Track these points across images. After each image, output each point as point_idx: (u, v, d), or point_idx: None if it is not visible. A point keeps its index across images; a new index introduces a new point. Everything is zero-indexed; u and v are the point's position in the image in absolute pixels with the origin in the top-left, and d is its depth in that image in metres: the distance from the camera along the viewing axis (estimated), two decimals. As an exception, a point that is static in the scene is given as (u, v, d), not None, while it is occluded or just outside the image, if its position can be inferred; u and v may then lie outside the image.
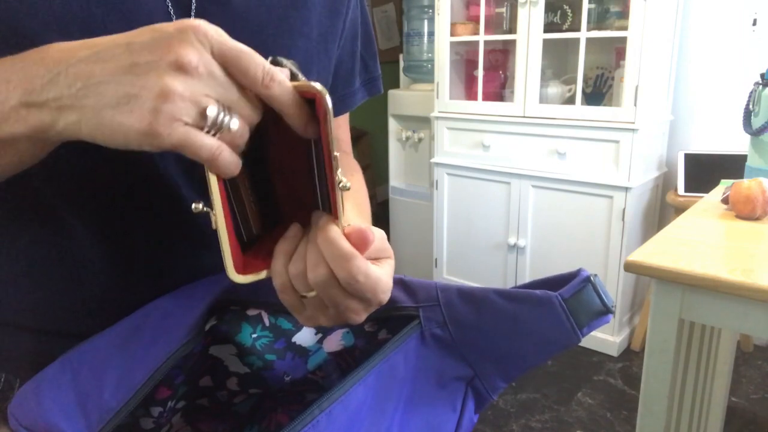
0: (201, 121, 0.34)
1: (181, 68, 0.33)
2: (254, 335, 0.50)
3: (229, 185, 0.40)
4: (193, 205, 0.37)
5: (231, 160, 0.36)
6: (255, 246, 0.43)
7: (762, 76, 1.18)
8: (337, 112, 0.67)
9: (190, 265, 0.53)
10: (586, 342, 2.29)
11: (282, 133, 0.40)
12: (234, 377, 0.52)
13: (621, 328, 2.24)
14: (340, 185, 0.37)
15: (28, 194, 0.46)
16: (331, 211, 0.39)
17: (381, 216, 3.31)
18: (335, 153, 0.37)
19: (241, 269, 0.39)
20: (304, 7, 0.55)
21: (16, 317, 0.52)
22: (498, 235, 2.43)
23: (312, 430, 0.39)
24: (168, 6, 0.47)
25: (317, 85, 0.36)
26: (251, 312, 0.51)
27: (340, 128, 0.71)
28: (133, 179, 0.48)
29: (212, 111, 0.34)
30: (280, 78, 0.36)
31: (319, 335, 0.52)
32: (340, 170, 0.37)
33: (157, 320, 0.47)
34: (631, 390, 2.02)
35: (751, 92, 1.20)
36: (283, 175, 0.44)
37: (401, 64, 2.92)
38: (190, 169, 0.50)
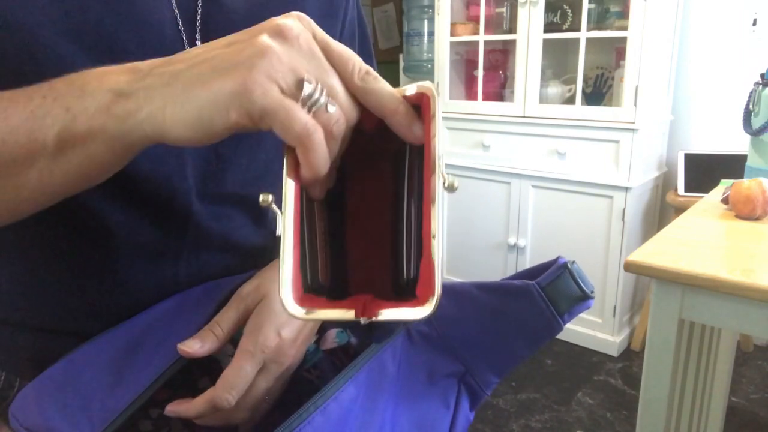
0: (297, 92, 0.31)
1: (282, 34, 0.32)
2: None
3: (305, 212, 0.36)
4: (261, 197, 0.33)
5: (322, 148, 0.32)
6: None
7: (762, 76, 1.18)
8: None
9: (192, 266, 0.53)
10: (586, 342, 2.29)
11: (362, 183, 0.37)
12: None
13: (621, 328, 2.24)
14: (446, 184, 0.32)
15: None
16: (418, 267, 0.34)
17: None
18: (439, 162, 0.32)
19: (299, 301, 0.33)
20: (302, 11, 0.55)
21: (16, 316, 0.52)
22: (498, 235, 2.43)
23: (307, 428, 0.39)
24: (176, 16, 0.47)
25: (424, 84, 0.33)
26: None
27: None
28: (137, 180, 0.48)
29: (310, 82, 0.32)
30: (377, 74, 0.34)
31: (317, 335, 0.52)
32: (444, 171, 0.33)
33: (164, 324, 0.47)
34: (631, 390, 2.02)
35: (751, 92, 1.20)
36: (359, 230, 0.40)
37: (401, 64, 2.92)
38: (202, 171, 0.50)
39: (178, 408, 0.43)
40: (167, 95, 0.32)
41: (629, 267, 0.92)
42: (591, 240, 2.18)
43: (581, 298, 0.45)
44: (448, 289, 0.48)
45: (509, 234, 2.38)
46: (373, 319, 0.32)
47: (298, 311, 0.32)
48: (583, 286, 0.45)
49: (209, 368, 0.52)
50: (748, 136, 1.21)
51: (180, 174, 0.49)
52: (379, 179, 0.39)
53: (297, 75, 0.32)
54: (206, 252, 0.53)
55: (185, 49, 0.42)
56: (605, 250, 2.15)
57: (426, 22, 2.75)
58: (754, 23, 2.12)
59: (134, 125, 0.33)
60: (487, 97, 2.40)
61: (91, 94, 0.33)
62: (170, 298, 0.50)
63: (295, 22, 0.33)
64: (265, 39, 0.31)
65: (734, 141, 2.17)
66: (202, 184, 0.50)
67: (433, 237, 0.32)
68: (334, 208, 0.39)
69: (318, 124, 0.32)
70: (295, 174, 0.34)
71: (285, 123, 0.31)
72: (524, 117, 2.23)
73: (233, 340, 0.51)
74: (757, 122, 1.17)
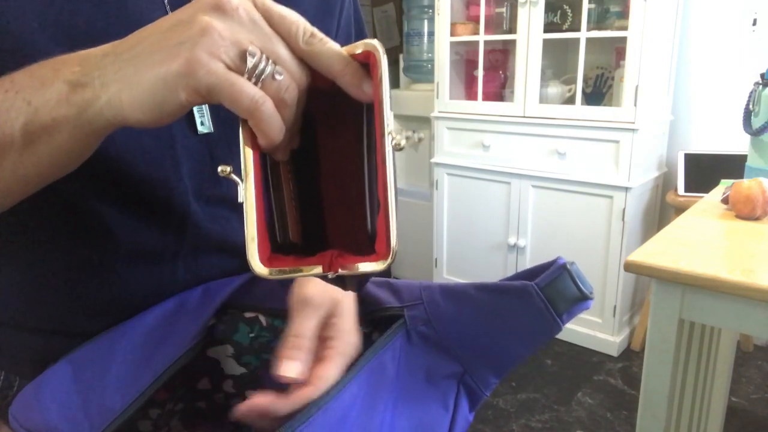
0: (241, 65, 0.32)
1: (220, 8, 0.32)
2: (252, 335, 0.51)
3: (270, 173, 0.37)
4: (220, 168, 0.34)
5: (274, 118, 0.33)
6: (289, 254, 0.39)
7: (762, 76, 1.18)
8: None
9: (191, 267, 0.53)
10: (586, 342, 2.29)
11: (334, 140, 0.38)
12: (230, 380, 0.52)
13: (621, 328, 2.24)
14: (393, 143, 0.34)
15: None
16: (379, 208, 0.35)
17: (381, 216, 3.31)
18: (387, 120, 0.33)
19: (267, 262, 0.35)
20: (297, 10, 0.55)
21: (15, 317, 0.52)
22: (498, 235, 2.43)
23: (308, 428, 0.39)
24: (168, 12, 0.47)
25: (370, 42, 0.34)
26: (248, 314, 0.51)
27: None
28: (134, 182, 0.48)
29: (254, 53, 0.32)
30: (323, 35, 0.34)
31: None
32: (393, 130, 0.34)
33: (163, 325, 0.47)
34: (631, 390, 2.02)
35: (751, 92, 1.20)
36: (333, 186, 0.41)
37: (401, 64, 2.92)
38: (197, 172, 0.50)
39: (267, 404, 0.42)
40: (121, 80, 0.33)
41: (629, 267, 0.92)
42: (591, 240, 2.18)
43: (580, 299, 0.45)
44: (446, 289, 0.48)
45: (509, 234, 2.38)
46: (340, 272, 0.34)
47: (264, 271, 0.34)
48: (581, 286, 0.45)
49: (209, 369, 0.52)
50: (748, 136, 1.21)
51: (176, 175, 0.49)
52: (350, 134, 0.40)
53: (240, 48, 0.32)
54: (204, 253, 0.53)
55: None
56: (605, 250, 2.15)
57: (426, 22, 2.75)
58: (754, 23, 2.12)
59: (95, 113, 0.33)
60: (487, 97, 2.39)
61: (50, 86, 0.34)
62: (169, 300, 0.50)
63: None
64: (204, 16, 0.32)
65: (734, 141, 2.17)
66: (198, 186, 0.50)
67: (388, 190, 0.33)
68: (308, 165, 0.40)
69: (266, 94, 0.32)
70: (253, 143, 0.35)
71: (232, 97, 0.32)
72: (524, 117, 2.23)
73: (229, 340, 0.51)
74: (757, 122, 1.17)
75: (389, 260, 0.33)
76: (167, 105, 0.32)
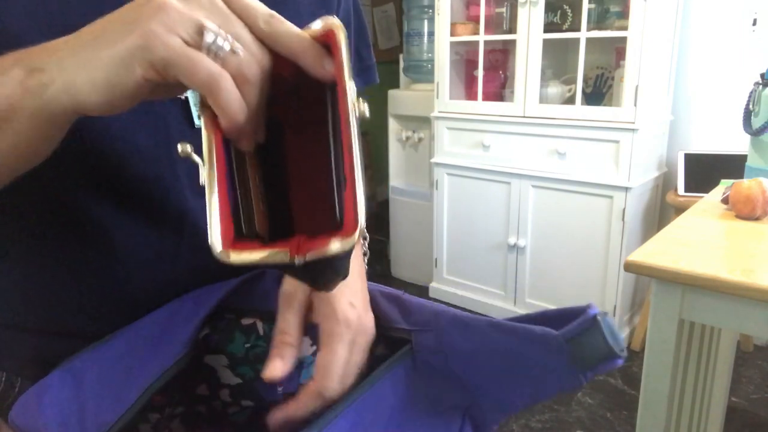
0: (199, 41, 0.32)
1: None
2: (248, 345, 0.49)
3: (235, 165, 0.36)
4: (180, 146, 0.34)
5: (233, 94, 0.32)
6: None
7: (762, 76, 1.18)
8: None
9: (191, 265, 0.53)
10: (586, 342, 2.28)
11: (301, 141, 0.37)
12: (226, 389, 0.51)
13: (621, 328, 2.24)
14: (358, 113, 0.33)
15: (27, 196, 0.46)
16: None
17: (381, 216, 3.31)
18: (350, 92, 0.33)
19: (230, 246, 0.33)
20: (293, 3, 0.55)
21: (16, 318, 0.52)
22: (498, 235, 2.43)
23: None
24: None
25: (329, 19, 0.33)
26: (246, 321, 0.49)
27: None
28: (130, 181, 0.48)
29: (211, 28, 0.32)
30: (282, 18, 0.34)
31: (314, 347, 0.50)
32: (354, 100, 0.34)
33: (155, 334, 0.47)
34: (631, 390, 2.02)
35: (751, 92, 1.20)
36: (302, 186, 0.40)
37: (401, 64, 2.92)
38: (193, 168, 0.50)
39: (286, 413, 0.42)
40: (77, 63, 0.32)
41: (629, 267, 0.92)
42: (591, 240, 2.18)
43: (609, 357, 0.39)
44: (461, 321, 0.44)
45: (509, 234, 2.38)
46: (307, 257, 0.32)
47: (228, 254, 0.32)
48: (611, 344, 0.39)
49: (207, 376, 0.51)
50: (748, 136, 1.21)
51: (171, 172, 0.49)
52: (317, 132, 0.39)
53: (197, 24, 0.32)
54: (204, 251, 0.53)
55: None
56: (605, 250, 2.15)
57: (426, 22, 2.75)
58: (754, 23, 2.12)
59: (51, 98, 0.33)
60: (487, 97, 2.39)
61: (7, 72, 0.34)
62: (165, 306, 0.49)
63: None
64: None
65: (734, 141, 2.17)
66: (194, 182, 0.50)
67: (354, 163, 0.32)
68: (276, 165, 0.39)
69: (224, 70, 0.32)
70: (215, 125, 0.34)
71: (189, 71, 0.31)
72: (524, 117, 2.23)
73: (223, 350, 0.50)
74: (757, 122, 1.17)
75: (353, 240, 0.32)
76: (123, 84, 0.32)
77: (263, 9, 0.34)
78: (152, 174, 0.48)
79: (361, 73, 0.69)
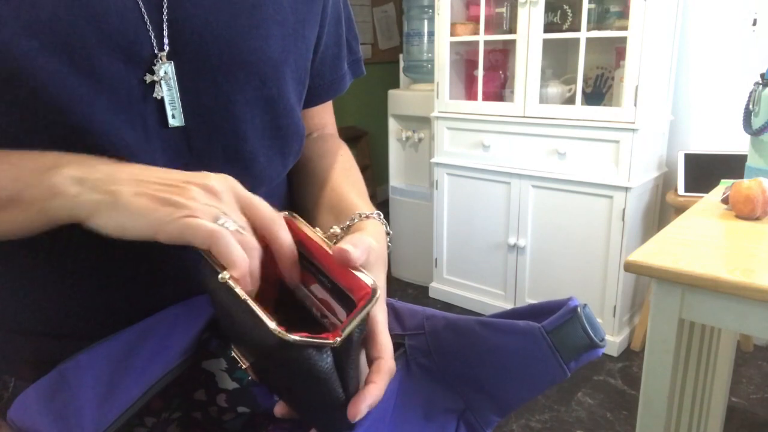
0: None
1: (208, 189, 0.41)
2: None
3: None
4: (219, 276, 0.39)
5: (233, 245, 0.39)
6: None
7: (762, 76, 1.18)
8: (328, 98, 0.68)
9: (184, 266, 0.53)
10: (586, 342, 2.28)
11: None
12: (223, 393, 0.51)
13: (621, 328, 2.24)
14: (333, 241, 0.43)
15: None
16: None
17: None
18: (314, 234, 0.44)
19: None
20: None
21: (13, 320, 0.52)
22: (498, 235, 2.43)
23: None
24: (139, 4, 0.46)
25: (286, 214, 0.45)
26: None
27: (326, 111, 0.72)
28: None
29: (222, 216, 0.40)
30: (283, 223, 0.44)
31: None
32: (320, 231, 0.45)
33: (156, 338, 0.47)
34: (631, 390, 2.02)
35: (751, 92, 1.19)
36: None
37: (401, 64, 2.92)
38: (176, 166, 0.50)
39: (373, 398, 0.42)
40: (101, 204, 0.40)
41: (629, 267, 0.92)
42: (591, 240, 2.18)
43: (589, 347, 0.41)
44: (450, 322, 0.46)
45: (509, 234, 2.38)
46: (343, 333, 0.37)
47: (291, 336, 0.35)
48: (592, 333, 0.41)
49: (204, 381, 0.51)
50: (748, 136, 1.21)
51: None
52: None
53: (213, 214, 0.40)
54: (195, 251, 0.53)
55: (150, 39, 0.46)
56: (605, 250, 2.15)
57: (426, 22, 2.75)
58: (754, 23, 2.12)
59: (72, 216, 0.41)
60: (487, 97, 2.39)
61: (51, 176, 0.42)
62: (166, 309, 0.49)
63: (220, 182, 0.42)
64: (194, 188, 0.41)
65: (734, 141, 2.17)
66: None
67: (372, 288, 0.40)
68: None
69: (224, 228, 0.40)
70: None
71: (195, 232, 0.38)
72: (524, 117, 2.23)
73: (225, 354, 0.50)
74: (757, 122, 1.17)
75: (332, 344, 0.36)
76: (131, 234, 0.40)
77: (269, 213, 0.44)
78: None
79: (351, 66, 0.70)
